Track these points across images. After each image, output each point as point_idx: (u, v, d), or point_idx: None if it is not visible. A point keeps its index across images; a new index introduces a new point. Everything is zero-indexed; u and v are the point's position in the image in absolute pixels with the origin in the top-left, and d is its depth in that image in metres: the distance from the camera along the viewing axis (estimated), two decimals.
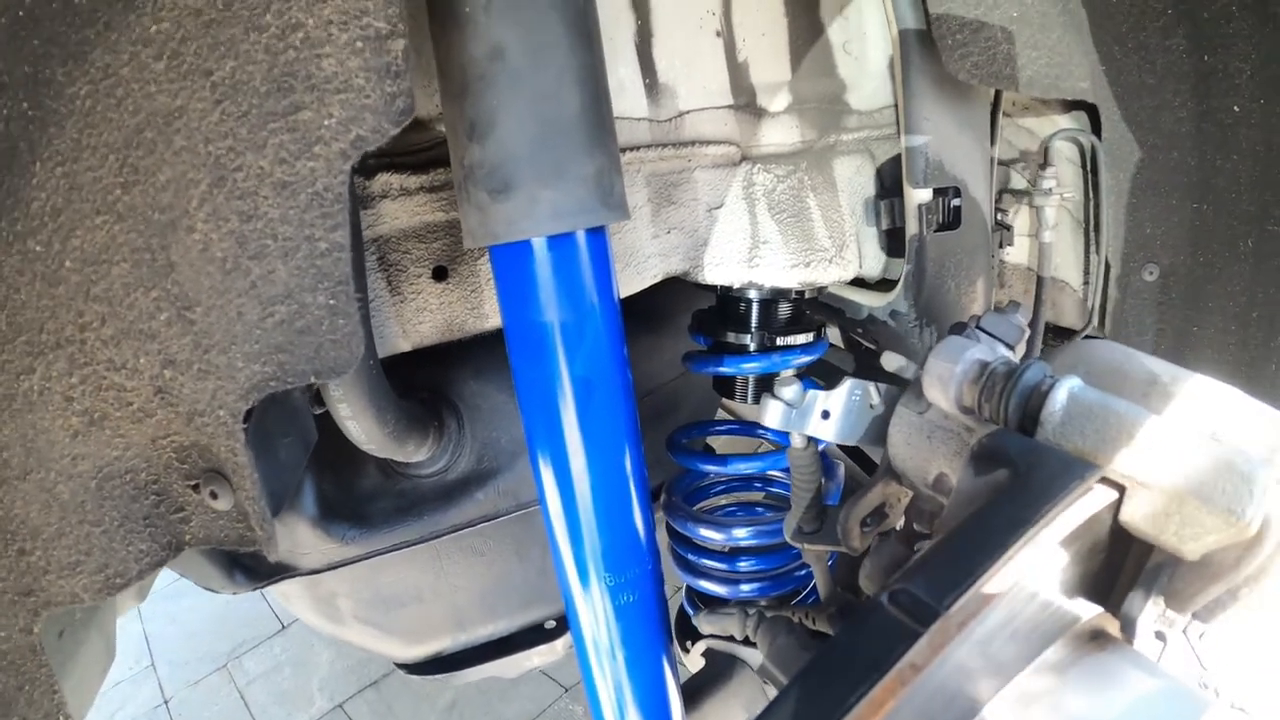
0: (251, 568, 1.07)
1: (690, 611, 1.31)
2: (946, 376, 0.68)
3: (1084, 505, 0.53)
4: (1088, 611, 0.56)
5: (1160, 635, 0.57)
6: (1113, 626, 0.57)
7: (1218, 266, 1.16)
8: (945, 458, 0.79)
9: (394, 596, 1.12)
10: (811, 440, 0.89)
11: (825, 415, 0.86)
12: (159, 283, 0.59)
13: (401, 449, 0.93)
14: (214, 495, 0.67)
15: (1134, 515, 0.55)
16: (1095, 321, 1.29)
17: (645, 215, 1.04)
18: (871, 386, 0.86)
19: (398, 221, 0.93)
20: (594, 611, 0.86)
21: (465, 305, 0.97)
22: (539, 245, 0.75)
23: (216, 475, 0.66)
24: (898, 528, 0.95)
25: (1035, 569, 0.51)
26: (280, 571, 1.07)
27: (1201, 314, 1.18)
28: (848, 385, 0.85)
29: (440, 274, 0.96)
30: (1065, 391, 0.62)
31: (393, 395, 0.88)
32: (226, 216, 0.58)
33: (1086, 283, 1.31)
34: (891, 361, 0.85)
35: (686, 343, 1.24)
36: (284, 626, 3.01)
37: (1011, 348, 0.81)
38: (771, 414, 0.85)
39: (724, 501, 1.38)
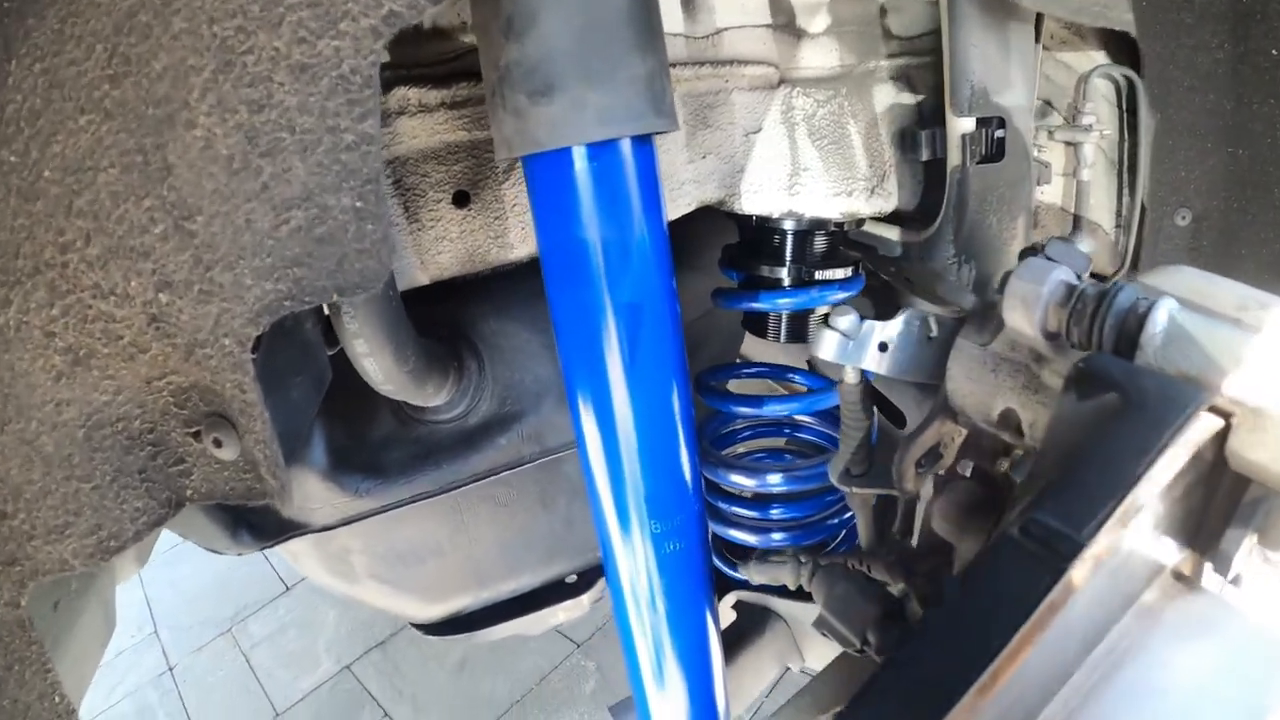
0: (258, 525, 1.01)
1: (717, 561, 1.27)
2: (1032, 298, 0.62)
3: (1197, 432, 0.48)
4: (1177, 554, 0.52)
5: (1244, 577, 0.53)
6: (1199, 567, 0.53)
7: (1251, 213, 1.13)
8: (1012, 392, 0.74)
9: (411, 552, 1.06)
10: (864, 375, 0.84)
11: (882, 348, 0.80)
12: (153, 189, 0.51)
13: (421, 390, 0.87)
14: (218, 443, 0.59)
15: (1241, 444, 0.50)
16: (1128, 265, 1.26)
17: (680, 138, 0.97)
18: (931, 317, 0.80)
19: (416, 141, 0.85)
20: (636, 561, 0.80)
21: (488, 234, 0.90)
22: (581, 155, 0.67)
23: (220, 420, 0.58)
24: (948, 469, 0.90)
25: (1150, 507, 0.46)
26: (289, 528, 1.01)
27: (1233, 260, 1.14)
28: (905, 315, 0.79)
29: (461, 199, 0.88)
30: (1165, 312, 0.56)
31: (413, 330, 0.81)
32: (234, 107, 0.50)
33: (1118, 225, 1.27)
34: (956, 294, 0.80)
35: (710, 279, 1.17)
36: (288, 588, 2.97)
37: (1079, 277, 0.76)
38: (827, 345, 0.79)
39: (750, 448, 1.34)
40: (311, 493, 0.99)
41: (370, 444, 1.00)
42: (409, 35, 0.81)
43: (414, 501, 1.02)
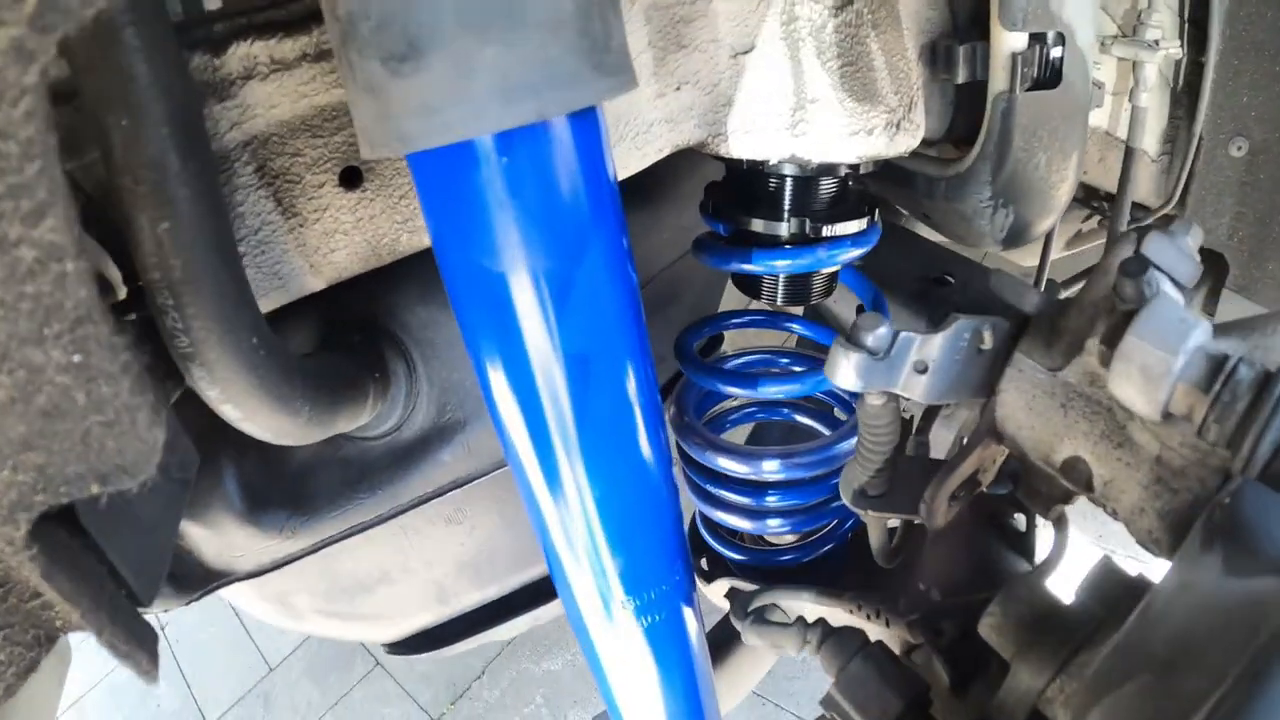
0: (181, 577, 0.84)
1: (706, 534, 1.14)
2: (1157, 372, 0.44)
3: None
4: None
5: None
6: None
7: None
8: (1086, 439, 0.57)
9: (356, 584, 0.91)
10: (893, 395, 0.66)
11: (920, 368, 0.62)
12: None
13: (329, 428, 0.68)
14: None
15: None
16: (1176, 199, 1.10)
17: (646, 66, 0.73)
18: (985, 328, 0.61)
19: (276, 111, 0.61)
20: (612, 641, 0.66)
21: (393, 218, 0.68)
22: (487, 147, 0.45)
23: None
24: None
25: None
26: (215, 579, 0.85)
27: None
28: (955, 328, 0.61)
29: (351, 178, 0.66)
30: None
31: (298, 369, 0.61)
32: None
33: (1166, 153, 1.10)
34: (1015, 292, 0.60)
35: (689, 214, 0.96)
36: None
37: (1184, 289, 0.56)
38: (846, 370, 0.60)
39: (740, 404, 1.17)
40: (231, 539, 0.83)
41: (291, 474, 0.83)
42: None
43: (348, 536, 0.85)
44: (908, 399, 0.64)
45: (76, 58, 0.48)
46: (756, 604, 0.86)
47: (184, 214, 0.50)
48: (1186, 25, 1.01)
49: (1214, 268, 1.22)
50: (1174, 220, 0.60)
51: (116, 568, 0.45)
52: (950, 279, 1.41)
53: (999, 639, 0.53)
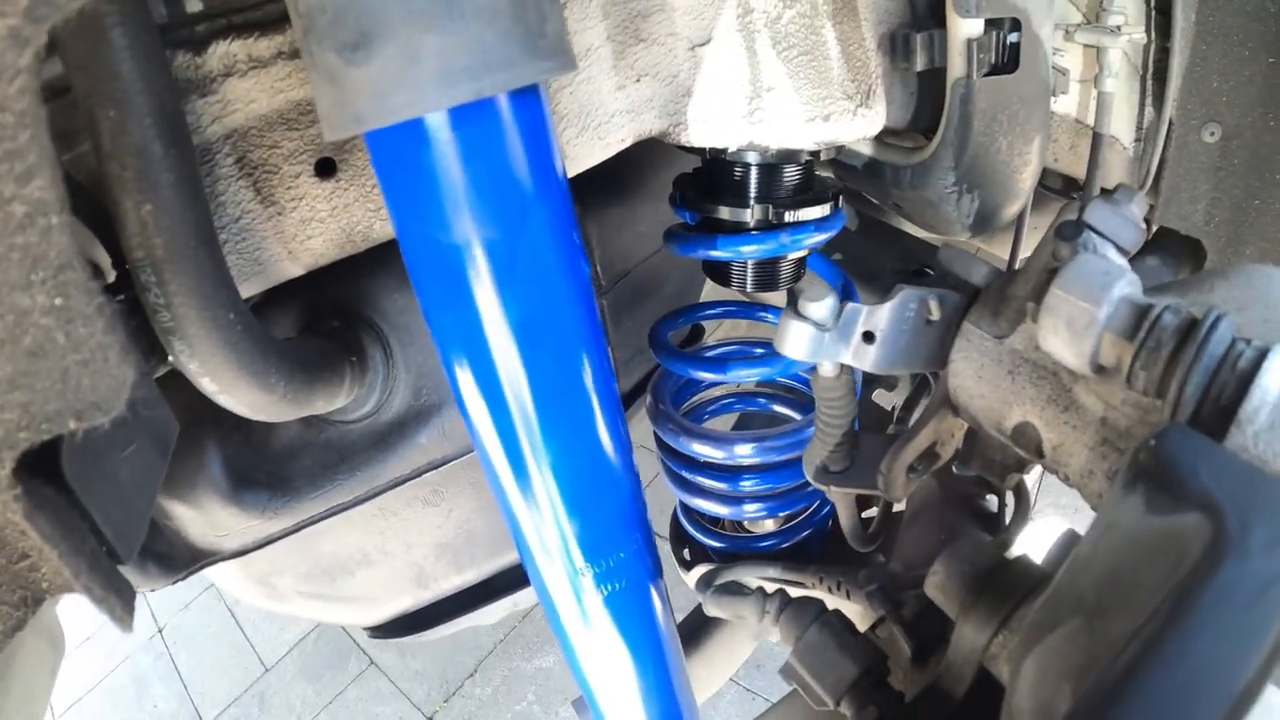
0: (166, 556, 0.87)
1: (685, 522, 1.16)
2: (1082, 323, 0.45)
3: None
4: None
5: None
6: None
7: None
8: (1033, 403, 0.58)
9: (337, 565, 0.94)
10: (845, 367, 0.68)
11: (868, 338, 0.64)
12: None
13: (305, 406, 0.71)
14: None
15: None
16: (1148, 185, 1.10)
17: (605, 59, 0.76)
18: (931, 298, 0.63)
19: (254, 106, 0.65)
20: (573, 607, 0.68)
21: (366, 206, 0.71)
22: (430, 126, 0.48)
23: None
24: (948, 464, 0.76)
25: None
26: (200, 557, 0.88)
27: (1265, 186, 1.02)
28: (901, 297, 0.63)
29: (326, 168, 0.69)
30: (1277, 376, 0.40)
31: (274, 347, 0.64)
32: None
33: (1138, 140, 1.09)
34: (964, 264, 0.62)
35: (666, 207, 0.99)
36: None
37: (1126, 254, 0.58)
38: (795, 341, 0.63)
39: (719, 393, 1.19)
40: (216, 518, 0.85)
41: (273, 456, 0.86)
42: None
43: (329, 516, 0.88)
44: (859, 368, 0.66)
45: (69, 56, 0.52)
46: (723, 579, 0.88)
47: (165, 197, 0.54)
48: (1153, 13, 1.02)
49: (1192, 254, 1.23)
50: (1120, 189, 0.62)
51: (98, 524, 0.48)
52: (929, 271, 1.44)
53: (943, 598, 0.55)
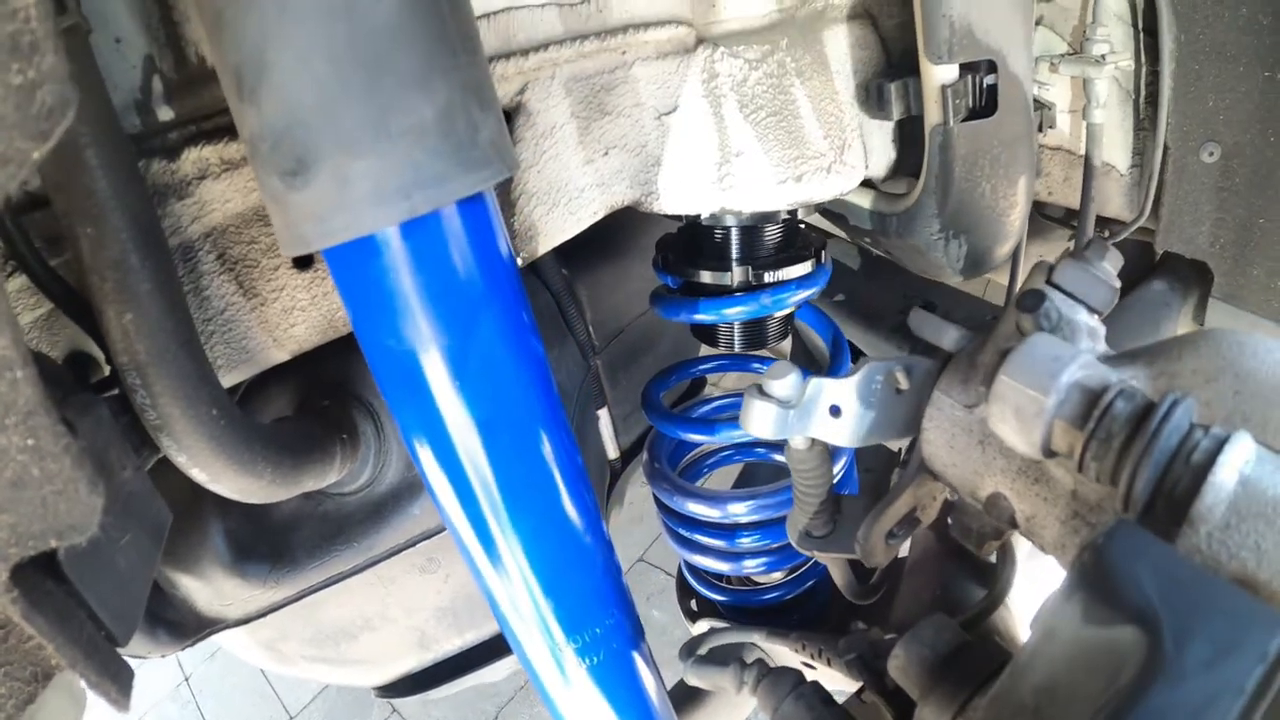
0: (175, 623, 0.91)
1: (689, 577, 1.16)
2: (1030, 412, 0.44)
3: None
4: None
5: None
6: None
7: None
8: (1005, 475, 0.57)
9: (340, 631, 0.96)
10: (817, 440, 0.67)
11: (835, 412, 0.64)
12: None
13: (295, 487, 0.73)
14: None
15: None
16: (1148, 211, 1.07)
17: (571, 136, 0.77)
18: (898, 369, 0.62)
19: (230, 205, 0.68)
20: (558, 681, 0.68)
21: None
22: (380, 239, 0.50)
23: None
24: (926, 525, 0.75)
25: None
26: (207, 625, 0.91)
27: (1269, 203, 0.99)
28: (864, 371, 0.62)
29: (303, 261, 0.72)
30: (1234, 469, 0.38)
31: (259, 434, 0.67)
32: None
33: (1136, 165, 1.08)
34: (934, 329, 0.61)
35: (650, 267, 0.99)
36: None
37: (1099, 314, 0.57)
38: (760, 420, 0.63)
39: (717, 447, 1.19)
40: (219, 588, 0.88)
41: (273, 528, 0.88)
42: (184, 84, 0.62)
43: (329, 585, 0.90)
44: (830, 443, 0.66)
45: (46, 176, 0.55)
46: (704, 648, 0.87)
47: (145, 306, 0.56)
48: (1141, 35, 1.00)
49: (1199, 276, 1.20)
50: (1090, 245, 0.60)
51: (95, 611, 0.50)
52: (935, 306, 1.41)
53: (905, 680, 0.54)
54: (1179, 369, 0.52)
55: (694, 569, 1.13)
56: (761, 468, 1.23)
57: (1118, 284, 0.59)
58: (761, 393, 0.62)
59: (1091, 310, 0.58)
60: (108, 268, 0.55)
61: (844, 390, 0.63)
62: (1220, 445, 0.40)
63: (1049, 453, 0.48)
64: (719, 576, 1.11)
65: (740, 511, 0.95)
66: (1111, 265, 0.60)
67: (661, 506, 1.04)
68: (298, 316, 0.73)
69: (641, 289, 1.11)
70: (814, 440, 0.68)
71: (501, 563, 0.63)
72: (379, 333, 0.53)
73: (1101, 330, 0.58)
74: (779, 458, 1.14)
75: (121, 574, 0.58)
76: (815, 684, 0.67)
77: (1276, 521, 0.36)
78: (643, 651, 0.75)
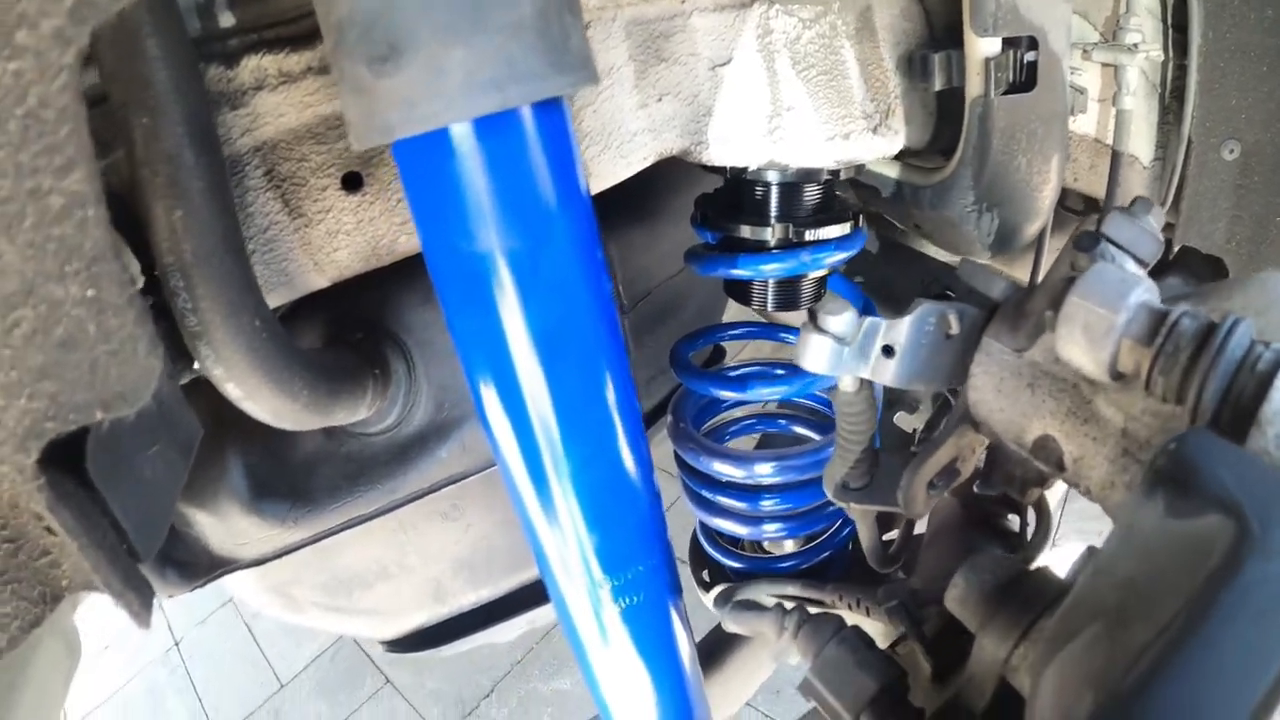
0: (185, 564, 0.89)
1: (705, 543, 1.15)
2: (1100, 330, 0.45)
3: None
4: None
5: None
6: None
7: None
8: (1054, 417, 0.58)
9: (355, 578, 0.94)
10: (866, 381, 0.68)
11: (888, 352, 0.64)
12: None
13: (327, 417, 0.72)
14: None
15: None
16: (1169, 204, 1.09)
17: (627, 79, 0.77)
18: (950, 312, 0.63)
19: (284, 119, 0.67)
20: (591, 621, 0.67)
21: (391, 220, 0.73)
22: (460, 135, 0.50)
23: None
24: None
25: None
26: (219, 565, 0.89)
27: None
28: (919, 312, 0.63)
29: (352, 182, 0.71)
30: None
31: (299, 355, 0.65)
32: None
33: (1158, 159, 1.10)
34: (984, 278, 0.62)
35: (688, 229, 1.00)
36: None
37: (1145, 265, 0.58)
38: (815, 355, 0.63)
39: (739, 414, 1.19)
40: (236, 527, 0.87)
41: (294, 467, 0.87)
42: None
43: (348, 527, 0.89)
44: (879, 383, 0.66)
45: (105, 65, 0.54)
46: (742, 595, 0.87)
47: (196, 204, 0.56)
48: (1170, 30, 1.03)
49: (1214, 273, 1.22)
50: (1137, 201, 0.62)
51: (119, 521, 0.49)
52: (951, 294, 1.43)
53: (963, 610, 0.54)
54: (1231, 305, 0.53)
55: (710, 536, 1.13)
56: (779, 439, 1.23)
57: (1162, 239, 0.60)
58: (818, 327, 0.62)
59: (1139, 261, 0.59)
60: (161, 161, 0.54)
61: (899, 330, 0.63)
62: None
63: (1115, 374, 0.49)
64: (734, 543, 1.11)
65: (765, 472, 0.95)
66: (1156, 221, 0.61)
67: (684, 467, 1.03)
68: (342, 240, 0.73)
69: (672, 252, 1.12)
70: (862, 383, 0.68)
71: (549, 489, 0.62)
72: (448, 234, 0.53)
73: (1146, 278, 0.60)
74: (800, 429, 1.15)
75: (147, 485, 0.56)
76: (857, 628, 0.67)
77: None
78: (678, 604, 0.74)
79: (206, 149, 0.57)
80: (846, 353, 0.63)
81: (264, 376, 0.62)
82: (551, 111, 0.52)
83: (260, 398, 0.63)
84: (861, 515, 0.81)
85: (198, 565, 0.90)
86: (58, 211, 0.34)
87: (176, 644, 2.69)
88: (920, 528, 0.97)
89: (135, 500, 0.52)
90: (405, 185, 0.54)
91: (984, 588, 0.53)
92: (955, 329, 0.64)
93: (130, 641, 2.76)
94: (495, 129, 0.50)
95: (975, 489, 0.74)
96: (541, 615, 1.10)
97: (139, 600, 0.49)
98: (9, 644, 0.52)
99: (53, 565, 0.52)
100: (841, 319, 0.62)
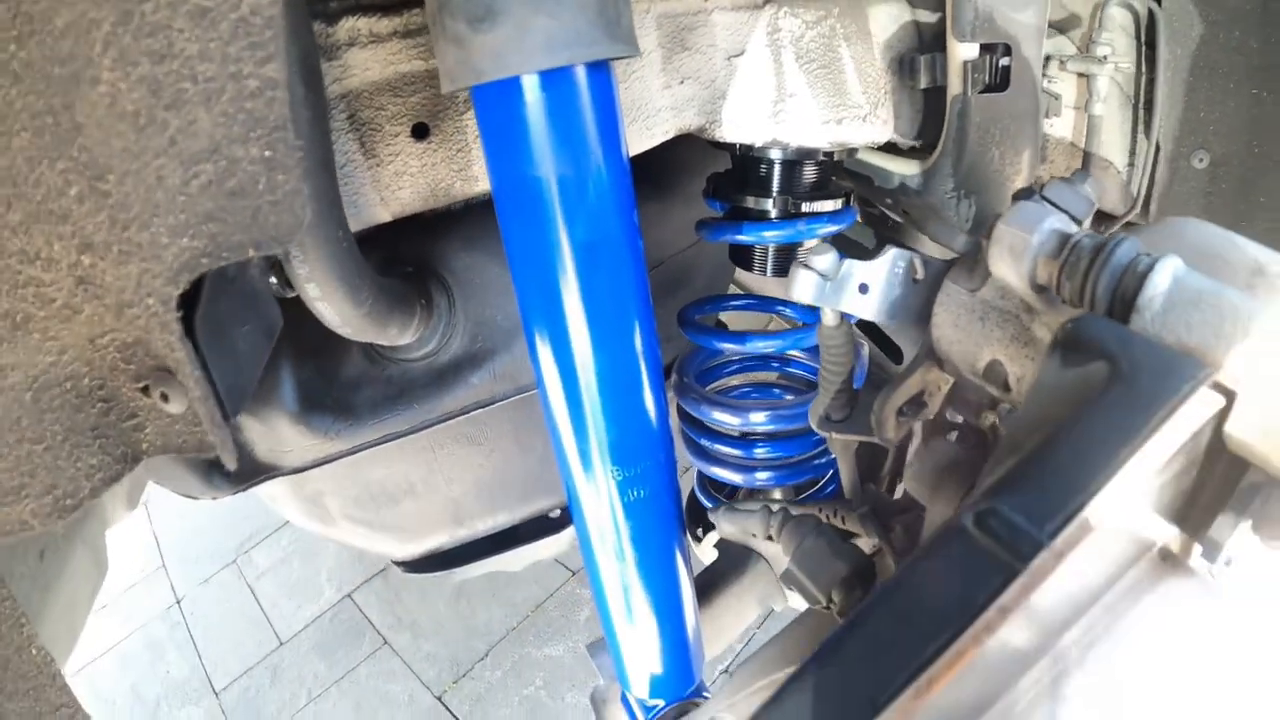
0: (230, 469, 0.99)
1: (702, 497, 1.26)
2: (1020, 248, 0.58)
3: (1193, 413, 0.44)
4: (1165, 533, 0.49)
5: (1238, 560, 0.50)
6: (1187, 549, 0.50)
7: (1274, 158, 1.08)
8: (1000, 343, 0.70)
9: (384, 492, 1.05)
10: (844, 317, 0.80)
11: (863, 289, 0.76)
12: (65, 151, 0.49)
13: (383, 331, 0.84)
14: (164, 397, 0.58)
15: (1241, 427, 0.46)
16: (1139, 207, 1.21)
17: (655, 62, 0.90)
18: (916, 258, 0.75)
19: (369, 73, 0.79)
20: (600, 507, 0.79)
21: (450, 167, 0.85)
22: (531, 84, 0.63)
23: (166, 374, 0.58)
24: (934, 418, 0.87)
25: (1136, 487, 0.43)
26: (262, 471, 0.99)
27: (1252, 209, 1.10)
28: (890, 255, 0.75)
29: (420, 131, 0.83)
30: (1168, 273, 0.51)
31: (369, 271, 0.77)
32: (136, 60, 0.46)
33: (1131, 165, 1.21)
34: (946, 234, 0.75)
35: (697, 209, 1.13)
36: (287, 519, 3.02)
37: (1079, 223, 0.71)
38: (802, 286, 0.75)
39: (737, 382, 1.31)
40: (282, 435, 0.97)
41: (341, 384, 0.98)
42: None
43: (385, 442, 1.00)
44: (858, 315, 0.78)
45: None
46: (733, 503, 0.98)
47: (302, 130, 0.67)
48: (1142, 46, 1.12)
49: None
50: (1075, 173, 0.74)
51: (213, 378, 0.58)
52: None
53: (918, 486, 0.66)
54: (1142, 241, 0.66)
55: (705, 488, 1.24)
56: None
57: (1095, 201, 0.73)
58: (805, 265, 0.75)
59: (1073, 219, 0.72)
60: None
61: (871, 270, 0.75)
62: (1156, 261, 0.54)
63: (1035, 286, 0.61)
64: (730, 494, 1.22)
65: (760, 420, 1.06)
66: (1090, 188, 0.74)
67: (685, 418, 1.15)
68: (406, 181, 0.85)
69: (681, 230, 1.24)
70: (842, 320, 0.80)
71: (576, 380, 0.73)
72: (514, 161, 0.65)
73: (1061, 213, 0.72)
74: (792, 398, 1.26)
75: (239, 356, 0.65)
76: (833, 525, 0.79)
77: (1198, 307, 0.49)
78: (678, 507, 0.85)
79: (314, 86, 0.69)
80: (829, 287, 0.75)
81: (339, 281, 0.73)
82: (602, 73, 0.66)
83: (334, 299, 0.74)
84: (842, 449, 0.92)
85: (242, 471, 1.00)
86: (252, 90, 0.46)
87: (178, 601, 2.76)
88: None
89: (228, 366, 0.61)
90: (481, 124, 0.67)
91: (934, 464, 0.64)
92: (921, 274, 0.76)
93: (132, 596, 2.84)
94: (561, 80, 0.63)
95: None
96: (547, 548, 1.21)
97: (228, 448, 0.58)
98: (90, 493, 0.61)
99: (137, 429, 0.61)
100: (825, 258, 0.74)
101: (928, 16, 1.02)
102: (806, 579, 0.75)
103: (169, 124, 0.47)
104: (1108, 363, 0.46)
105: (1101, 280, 0.53)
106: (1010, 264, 0.59)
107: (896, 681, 0.33)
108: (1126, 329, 0.49)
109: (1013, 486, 0.41)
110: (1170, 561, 0.49)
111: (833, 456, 1.17)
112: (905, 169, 1.11)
